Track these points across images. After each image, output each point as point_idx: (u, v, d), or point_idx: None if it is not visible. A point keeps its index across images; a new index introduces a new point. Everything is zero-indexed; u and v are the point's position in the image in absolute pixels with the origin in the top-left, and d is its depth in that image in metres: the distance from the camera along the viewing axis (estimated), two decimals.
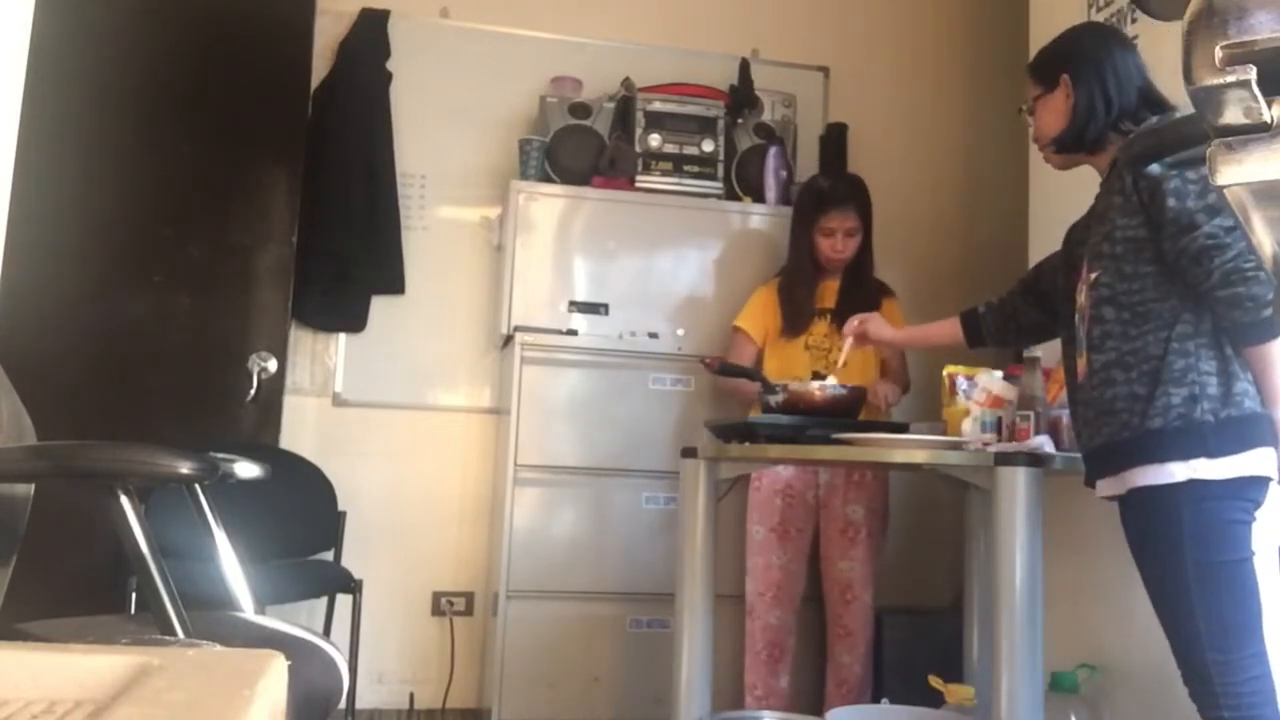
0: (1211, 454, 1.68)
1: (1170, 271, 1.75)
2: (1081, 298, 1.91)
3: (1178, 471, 1.70)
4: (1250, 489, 1.70)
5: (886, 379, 3.03)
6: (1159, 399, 1.73)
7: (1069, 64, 1.98)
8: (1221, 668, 1.66)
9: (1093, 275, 1.87)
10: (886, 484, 3.05)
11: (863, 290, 3.07)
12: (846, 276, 3.08)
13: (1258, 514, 1.71)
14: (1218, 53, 0.58)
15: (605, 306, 3.33)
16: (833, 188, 3.07)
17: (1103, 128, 1.94)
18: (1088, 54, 1.98)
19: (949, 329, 2.42)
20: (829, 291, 3.08)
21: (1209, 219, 1.69)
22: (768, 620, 2.93)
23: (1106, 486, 1.84)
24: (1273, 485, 1.72)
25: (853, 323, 2.51)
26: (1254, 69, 0.58)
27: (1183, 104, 1.82)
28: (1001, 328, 2.33)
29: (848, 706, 2.60)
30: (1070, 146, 1.99)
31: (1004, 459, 1.97)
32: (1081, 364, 1.90)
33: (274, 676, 0.56)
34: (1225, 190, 0.64)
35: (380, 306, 3.49)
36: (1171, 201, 1.72)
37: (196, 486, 1.56)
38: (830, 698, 2.95)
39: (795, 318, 3.03)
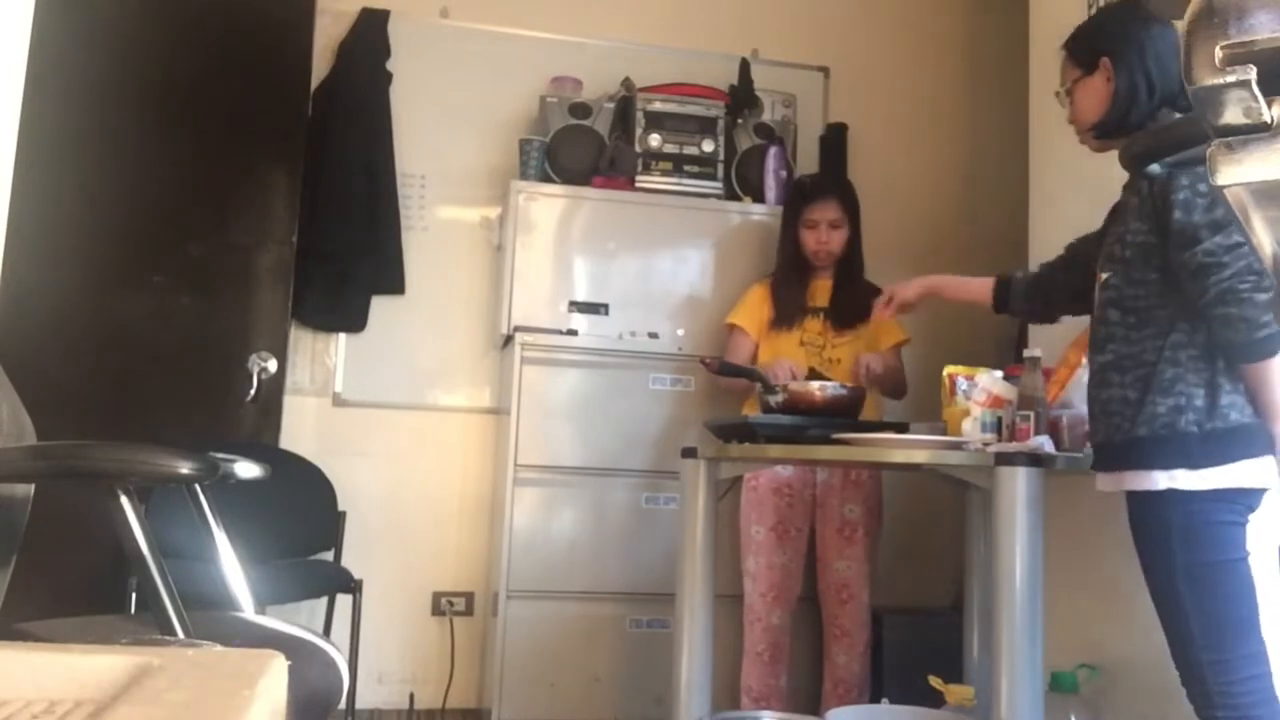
0: (1194, 465, 1.69)
1: (1172, 280, 1.75)
2: (1096, 296, 1.91)
3: (1159, 480, 1.71)
4: (1235, 497, 1.70)
5: (886, 380, 3.01)
6: (1146, 406, 1.74)
7: (1110, 45, 1.91)
8: (1215, 668, 1.66)
9: (1103, 276, 1.87)
10: (880, 483, 3.05)
11: (854, 289, 3.07)
12: (838, 275, 3.09)
13: (1252, 516, 1.71)
14: (1218, 53, 0.58)
15: (605, 306, 3.33)
16: (815, 181, 3.15)
17: (1145, 113, 1.88)
18: (1129, 35, 1.90)
19: (978, 287, 2.41)
20: (821, 290, 3.09)
21: (1211, 235, 1.67)
22: (769, 621, 2.93)
23: (1104, 483, 1.86)
24: (1269, 490, 1.72)
25: (882, 299, 2.53)
26: (1254, 69, 0.58)
27: None
28: (1030, 299, 2.29)
29: (848, 706, 2.60)
30: (1112, 132, 1.93)
31: (1004, 459, 1.97)
32: (1090, 363, 1.91)
33: (274, 676, 0.56)
34: (1225, 190, 0.64)
35: (380, 306, 3.49)
36: (1178, 214, 1.71)
37: (196, 486, 1.56)
38: (827, 698, 2.95)
39: (787, 312, 3.04)
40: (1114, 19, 2.01)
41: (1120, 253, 1.83)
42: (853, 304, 3.04)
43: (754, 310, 3.11)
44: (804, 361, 3.00)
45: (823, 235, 3.03)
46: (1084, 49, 1.98)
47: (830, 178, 3.18)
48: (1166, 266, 1.75)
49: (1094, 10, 2.75)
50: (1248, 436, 1.70)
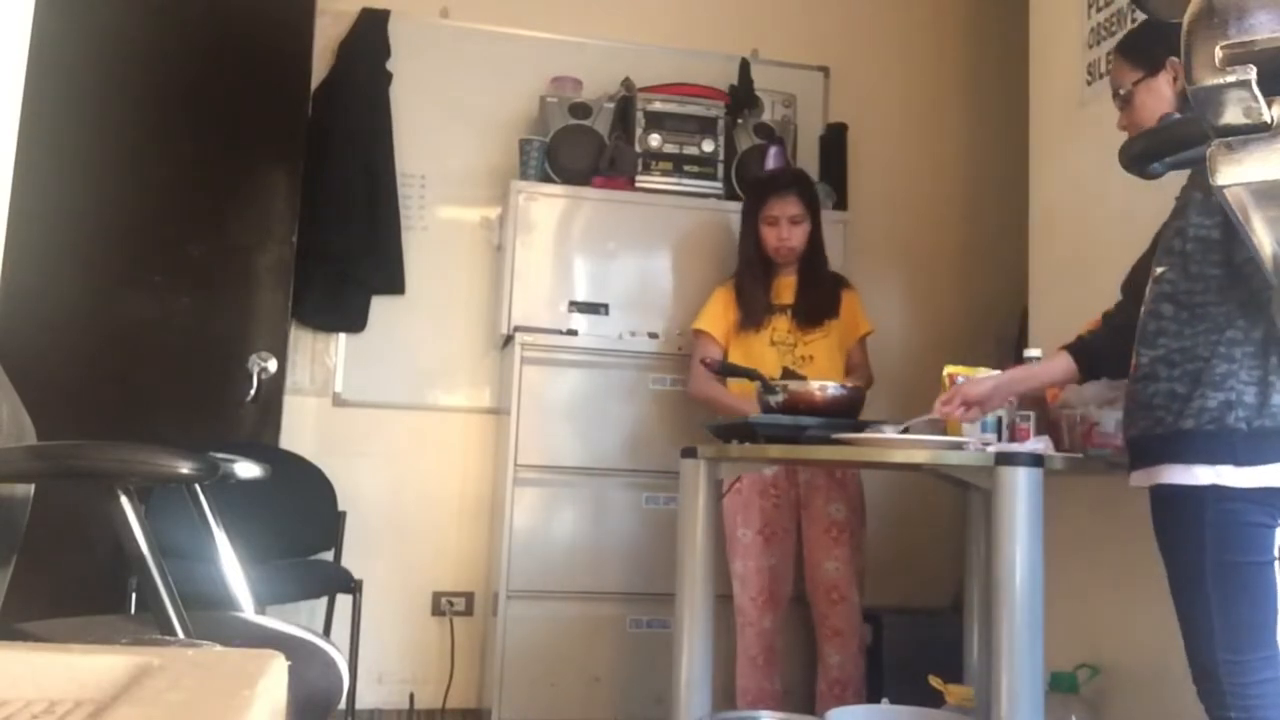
0: (1239, 462, 1.67)
1: (1234, 276, 1.72)
2: (1149, 290, 1.89)
3: (1202, 475, 1.69)
4: (1272, 499, 1.68)
5: (852, 375, 3.03)
6: (1195, 400, 1.71)
7: (1177, 45, 1.89)
8: (1231, 668, 1.66)
9: (1158, 270, 1.84)
10: (860, 482, 3.04)
11: (819, 283, 3.07)
12: (801, 272, 3.08)
13: None
14: (1218, 53, 0.58)
15: (605, 306, 3.33)
16: (772, 177, 3.15)
17: None
18: None
19: (1052, 367, 2.13)
20: (786, 287, 3.07)
21: None
22: (761, 625, 2.91)
23: (1137, 478, 1.84)
24: None
25: (950, 405, 2.15)
26: (1254, 69, 0.58)
27: None
28: (1119, 350, 1.99)
29: (847, 706, 2.60)
30: None
31: (1004, 459, 1.97)
32: (1134, 358, 1.88)
33: (274, 676, 0.56)
34: (1225, 190, 0.64)
35: (380, 306, 3.49)
36: None
37: (196, 486, 1.56)
38: (823, 698, 2.94)
39: (753, 312, 3.03)
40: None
41: (1180, 246, 1.79)
42: (819, 300, 3.04)
43: (719, 314, 3.09)
44: (776, 361, 2.99)
45: (783, 231, 3.01)
46: (1147, 49, 1.95)
47: (788, 173, 3.16)
48: (1229, 261, 1.72)
49: (1094, 10, 2.75)
50: None
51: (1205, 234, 1.76)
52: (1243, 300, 1.72)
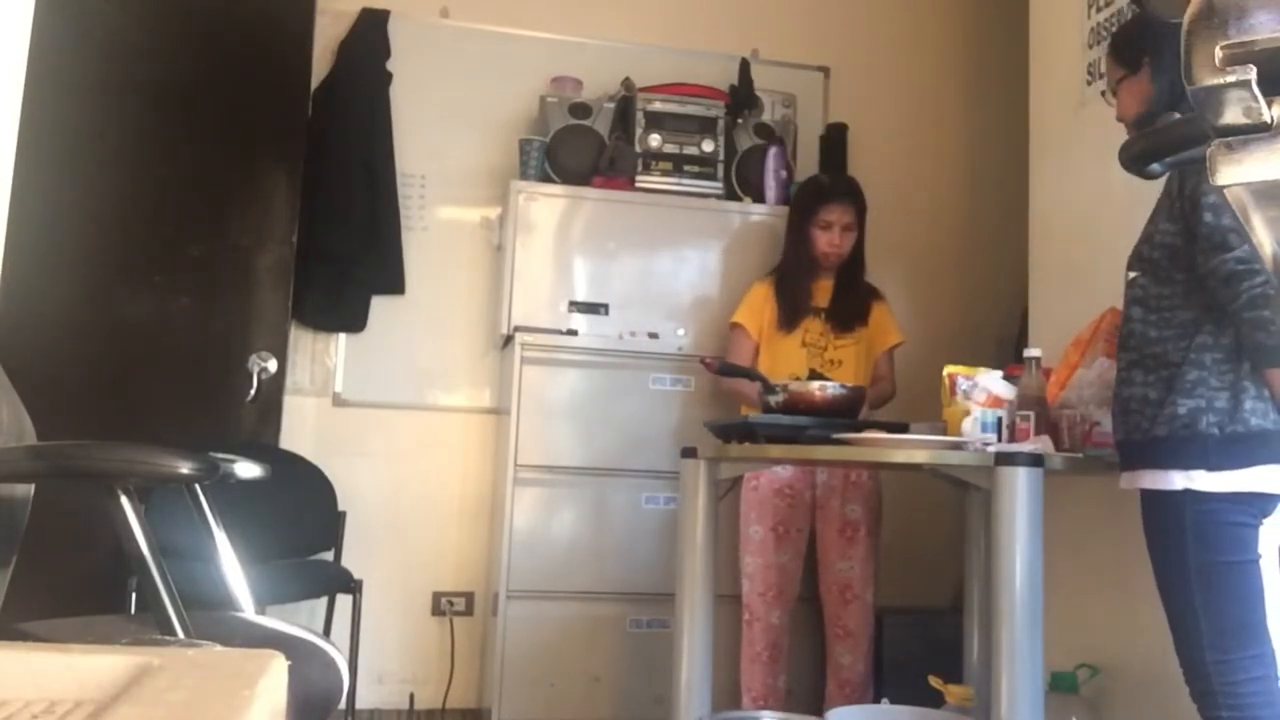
0: (1211, 467, 1.69)
1: (1199, 282, 1.75)
2: (1124, 295, 1.92)
3: (1177, 480, 1.71)
4: (1251, 501, 1.70)
5: (876, 385, 3.05)
6: (1167, 406, 1.73)
7: (1149, 47, 1.95)
8: (1221, 668, 1.66)
9: (1131, 275, 1.88)
10: (879, 483, 3.06)
11: (855, 291, 3.09)
12: (840, 277, 3.09)
13: (1265, 520, 1.72)
14: (1218, 53, 0.58)
15: (605, 306, 3.33)
16: (833, 183, 3.14)
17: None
18: (1168, 37, 1.96)
19: None
20: (823, 291, 3.09)
21: (1242, 241, 1.67)
22: (768, 621, 2.93)
23: (1124, 480, 1.87)
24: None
25: None
26: (1254, 69, 0.58)
27: None
28: None
29: (847, 706, 2.60)
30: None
31: (1004, 459, 1.97)
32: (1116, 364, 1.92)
33: (274, 676, 0.56)
34: (1225, 190, 0.64)
35: (380, 306, 3.49)
36: (1208, 217, 1.71)
37: (196, 486, 1.56)
38: (831, 698, 2.95)
39: (791, 312, 3.04)
40: (1156, 20, 2.03)
41: (1149, 253, 1.83)
42: (854, 305, 3.06)
43: (757, 310, 3.11)
44: (805, 362, 3.00)
45: (835, 238, 3.03)
46: (1128, 50, 2.02)
47: (846, 181, 3.16)
48: (1193, 268, 1.75)
49: (1094, 10, 2.75)
50: (1268, 441, 1.70)
51: (1171, 240, 1.79)
52: (1207, 306, 1.74)
